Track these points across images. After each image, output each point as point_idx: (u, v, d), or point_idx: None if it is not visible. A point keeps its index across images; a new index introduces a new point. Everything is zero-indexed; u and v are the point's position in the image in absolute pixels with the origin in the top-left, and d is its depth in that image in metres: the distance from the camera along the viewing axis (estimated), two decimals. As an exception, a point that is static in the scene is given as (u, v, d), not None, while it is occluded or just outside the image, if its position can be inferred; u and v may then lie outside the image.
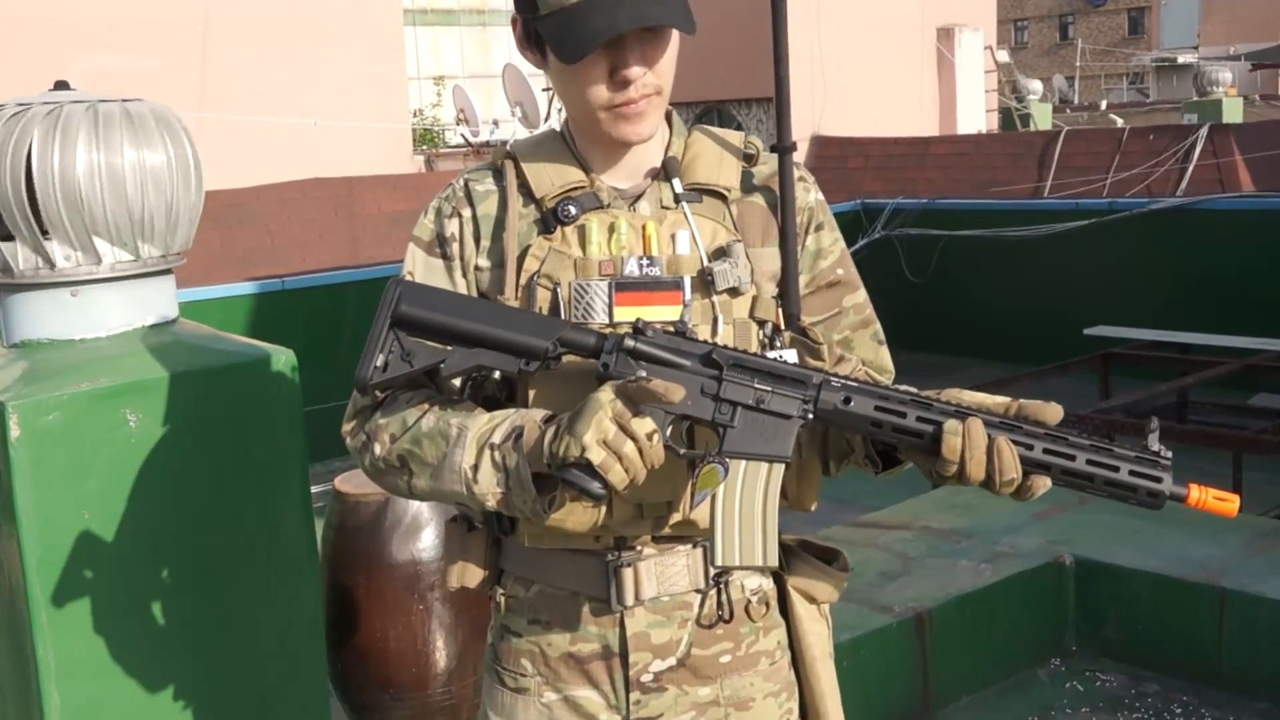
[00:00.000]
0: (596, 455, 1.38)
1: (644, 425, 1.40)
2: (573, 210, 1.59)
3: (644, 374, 1.45)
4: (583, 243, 1.60)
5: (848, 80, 16.30)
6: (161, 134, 2.52)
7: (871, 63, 16.65)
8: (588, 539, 1.59)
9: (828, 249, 1.71)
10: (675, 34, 1.57)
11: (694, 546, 1.61)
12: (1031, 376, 6.81)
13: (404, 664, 2.87)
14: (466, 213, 1.65)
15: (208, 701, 2.43)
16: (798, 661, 1.70)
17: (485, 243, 1.64)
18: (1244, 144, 13.53)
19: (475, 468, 1.49)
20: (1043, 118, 18.70)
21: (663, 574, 1.60)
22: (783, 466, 1.46)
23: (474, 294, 1.65)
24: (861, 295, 1.73)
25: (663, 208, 1.63)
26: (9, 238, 2.43)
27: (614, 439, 1.39)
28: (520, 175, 1.64)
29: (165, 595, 2.38)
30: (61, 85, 2.57)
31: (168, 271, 2.61)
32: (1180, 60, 37.86)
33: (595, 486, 1.39)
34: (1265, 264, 7.37)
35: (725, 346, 1.49)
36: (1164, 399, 6.53)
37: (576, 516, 1.55)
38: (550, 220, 1.61)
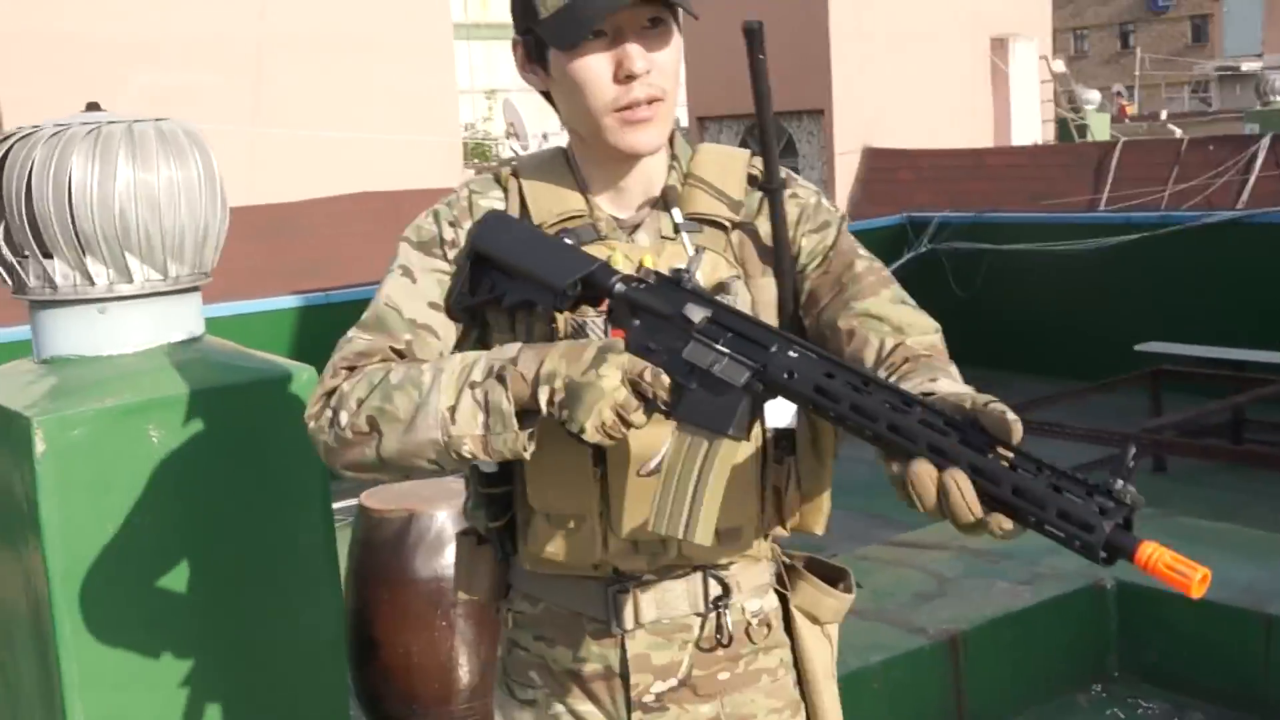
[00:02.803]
0: (592, 437, 1.39)
1: (640, 419, 1.39)
2: (569, 242, 1.57)
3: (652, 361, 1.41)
4: None
5: (899, 91, 16.19)
6: (193, 152, 2.55)
7: (923, 73, 16.53)
8: (587, 568, 1.59)
9: (818, 249, 1.62)
10: (678, 36, 1.55)
11: (693, 572, 1.62)
12: (1080, 393, 6.71)
13: (427, 679, 2.88)
14: (468, 224, 1.63)
15: (227, 715, 2.44)
16: (803, 680, 1.70)
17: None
18: (1308, 155, 13.28)
19: (453, 409, 1.44)
20: (1100, 128, 18.48)
21: (662, 598, 1.60)
22: (725, 442, 1.40)
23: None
24: (862, 265, 1.60)
25: (662, 238, 1.61)
26: (49, 255, 2.46)
27: (611, 427, 1.39)
28: (521, 195, 1.63)
29: (186, 608, 2.40)
30: (93, 106, 2.60)
31: (195, 289, 2.63)
32: (1244, 68, 37.28)
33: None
34: (1324, 279, 7.22)
35: (721, 302, 1.44)
36: (1217, 417, 6.40)
37: (560, 547, 1.57)
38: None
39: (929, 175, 15.31)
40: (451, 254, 1.62)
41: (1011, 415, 1.23)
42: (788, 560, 1.70)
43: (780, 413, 1.57)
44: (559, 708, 1.66)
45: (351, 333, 1.61)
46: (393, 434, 1.48)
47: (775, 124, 1.49)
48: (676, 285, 1.45)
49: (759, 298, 1.60)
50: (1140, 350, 7.23)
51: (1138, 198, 13.16)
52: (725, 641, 1.62)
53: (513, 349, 1.47)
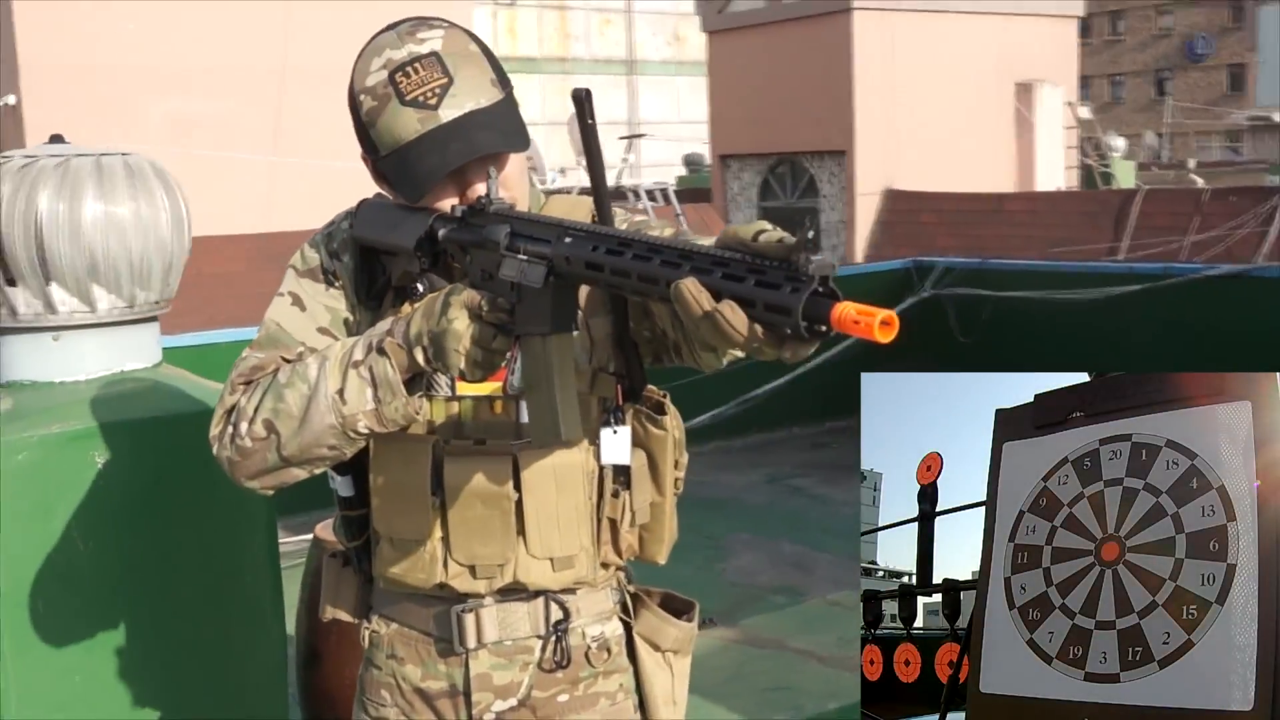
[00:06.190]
0: (474, 377, 1.48)
1: (503, 344, 1.46)
2: (420, 288, 1.63)
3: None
4: None
5: (922, 133, 16.24)
6: (159, 186, 2.60)
7: (947, 117, 16.56)
8: (433, 589, 1.67)
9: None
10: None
11: (535, 596, 1.69)
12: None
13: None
14: (346, 258, 1.71)
15: (163, 742, 2.47)
16: (643, 705, 1.77)
17: (352, 300, 1.71)
18: (1330, 208, 13.22)
19: (341, 391, 1.54)
20: (1125, 176, 18.46)
21: (504, 620, 1.68)
22: (557, 337, 1.46)
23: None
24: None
25: None
26: (12, 282, 2.52)
27: (483, 361, 1.46)
28: None
29: (127, 635, 2.43)
30: (57, 139, 2.66)
31: (153, 319, 2.69)
32: (1276, 118, 37.18)
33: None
34: (1329, 335, 7.17)
35: (517, 214, 1.51)
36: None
37: (404, 569, 1.66)
38: (400, 295, 1.67)
39: (949, 219, 15.33)
40: (337, 283, 1.70)
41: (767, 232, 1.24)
42: (633, 590, 1.78)
43: (616, 450, 1.63)
44: None
45: (246, 352, 1.69)
46: (289, 430, 1.57)
47: (607, 182, 1.54)
48: (481, 212, 1.53)
49: (596, 335, 1.67)
50: (1138, 401, 7.22)
51: (1158, 247, 13.13)
52: (564, 663, 1.69)
53: (386, 323, 1.55)
